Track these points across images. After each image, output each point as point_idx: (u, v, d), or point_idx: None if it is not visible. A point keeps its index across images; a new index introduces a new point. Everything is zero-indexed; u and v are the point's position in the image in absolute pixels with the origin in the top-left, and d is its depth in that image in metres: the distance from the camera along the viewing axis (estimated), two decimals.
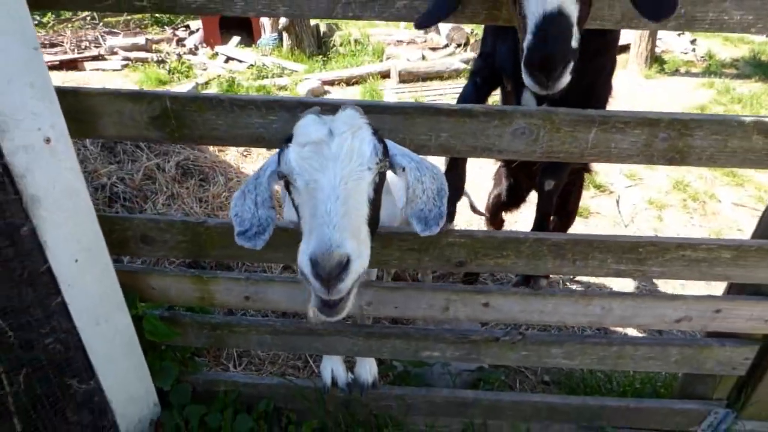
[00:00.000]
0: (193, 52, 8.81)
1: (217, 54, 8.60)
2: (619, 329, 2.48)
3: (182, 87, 6.88)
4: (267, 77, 7.33)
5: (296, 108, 1.33)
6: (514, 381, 2.45)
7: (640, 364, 1.79)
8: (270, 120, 1.35)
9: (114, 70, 7.79)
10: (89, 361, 1.59)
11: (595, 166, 4.85)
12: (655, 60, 8.13)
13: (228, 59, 8.39)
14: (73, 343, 1.56)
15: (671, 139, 1.34)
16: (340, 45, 8.80)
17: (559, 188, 1.95)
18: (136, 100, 1.35)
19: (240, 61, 8.22)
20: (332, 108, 1.32)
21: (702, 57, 8.75)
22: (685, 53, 8.94)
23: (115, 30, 9.97)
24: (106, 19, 10.36)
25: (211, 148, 3.93)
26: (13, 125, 1.18)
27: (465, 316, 1.70)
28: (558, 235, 1.54)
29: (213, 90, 6.84)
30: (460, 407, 1.96)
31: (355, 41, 8.78)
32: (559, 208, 2.29)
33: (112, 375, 1.65)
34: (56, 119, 1.27)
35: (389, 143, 1.23)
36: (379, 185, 1.17)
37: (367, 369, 1.95)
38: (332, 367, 1.94)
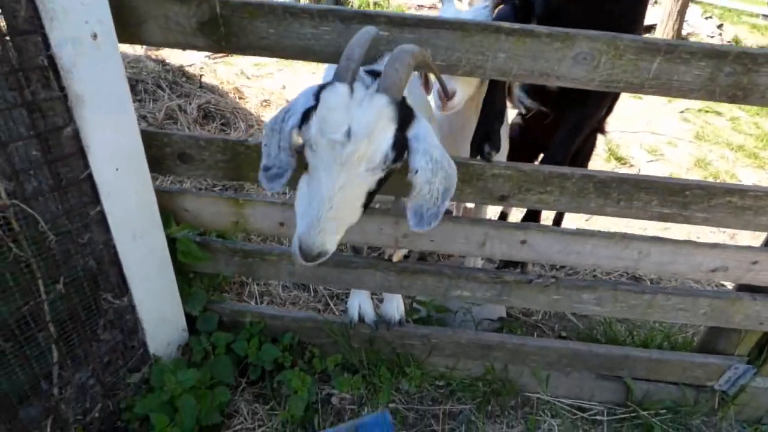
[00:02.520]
0: None
1: None
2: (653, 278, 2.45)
3: None
4: None
5: (352, 19, 1.28)
6: (532, 334, 2.46)
7: (669, 315, 1.79)
8: (322, 31, 1.31)
9: None
10: (124, 276, 1.59)
11: (617, 139, 4.80)
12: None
13: None
14: (108, 256, 1.55)
15: (736, 75, 1.29)
16: (359, 8, 8.60)
17: (569, 156, 1.89)
18: (183, 2, 1.31)
19: None
20: (389, 22, 1.28)
21: (729, 41, 8.57)
22: (711, 37, 8.76)
23: None
24: None
25: (231, 94, 3.87)
26: (62, 14, 1.14)
27: (501, 253, 1.68)
28: (605, 173, 1.51)
29: None
30: (484, 350, 1.96)
31: (374, 3, 8.58)
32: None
33: (144, 293, 1.65)
34: (104, 14, 1.23)
35: (420, 129, 1.12)
36: (385, 178, 1.14)
37: (395, 306, 1.95)
38: (360, 303, 1.94)
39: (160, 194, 1.63)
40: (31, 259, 1.34)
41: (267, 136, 1.23)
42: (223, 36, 1.34)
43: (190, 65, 4.36)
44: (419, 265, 1.78)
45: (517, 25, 1.28)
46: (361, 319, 1.94)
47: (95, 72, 1.25)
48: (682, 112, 5.76)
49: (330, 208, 1.06)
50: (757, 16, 9.93)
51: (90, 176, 1.38)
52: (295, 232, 1.12)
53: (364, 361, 2.01)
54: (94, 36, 1.22)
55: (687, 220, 1.56)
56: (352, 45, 1.14)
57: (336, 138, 1.03)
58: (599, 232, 1.63)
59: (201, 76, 3.88)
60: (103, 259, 1.54)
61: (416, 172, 1.11)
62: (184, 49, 1.38)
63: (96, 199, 1.42)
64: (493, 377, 2.06)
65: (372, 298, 2.02)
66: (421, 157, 1.11)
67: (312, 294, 2.54)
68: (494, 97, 1.55)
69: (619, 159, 4.46)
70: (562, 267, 2.71)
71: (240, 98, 4.00)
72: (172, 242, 1.71)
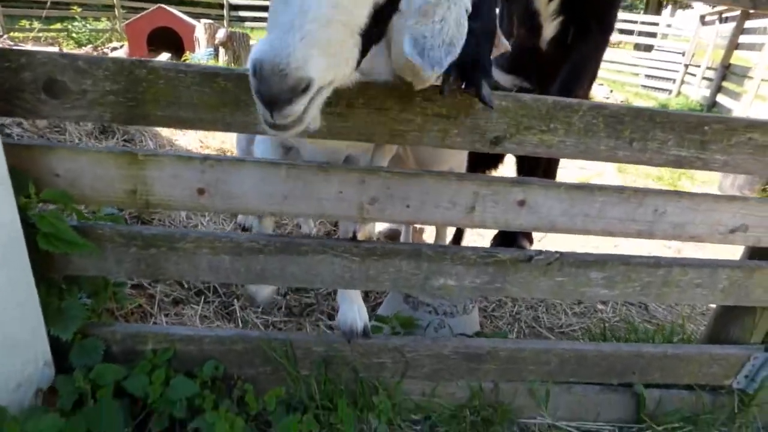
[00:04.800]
0: None
1: None
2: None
3: None
4: None
5: None
6: None
7: (686, 294, 1.50)
8: None
9: None
10: None
11: None
12: None
13: None
14: None
15: None
16: None
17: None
18: None
19: None
20: None
21: (622, 101, 9.53)
22: (607, 98, 9.70)
23: (22, 44, 8.87)
24: (12, 34, 9.16)
25: None
26: None
27: (494, 220, 1.32)
28: (617, 105, 1.24)
29: None
30: (472, 362, 1.53)
31: None
32: None
33: None
34: None
35: None
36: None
37: (355, 310, 1.49)
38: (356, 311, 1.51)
39: (13, 150, 1.11)
40: None
41: None
42: None
43: None
44: (390, 245, 1.36)
45: None
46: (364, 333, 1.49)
47: None
48: None
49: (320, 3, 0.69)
50: (636, 86, 11.29)
51: None
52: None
53: (317, 394, 1.49)
54: None
55: (705, 165, 1.32)
56: None
57: None
58: (609, 186, 1.34)
59: None
60: None
61: None
62: None
63: None
64: (482, 402, 1.61)
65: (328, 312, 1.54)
66: None
67: (240, 325, 1.97)
68: (485, 10, 1.25)
69: None
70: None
71: None
72: (30, 228, 1.15)
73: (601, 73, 1.41)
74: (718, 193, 2.28)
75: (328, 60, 0.75)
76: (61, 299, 1.30)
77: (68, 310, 1.28)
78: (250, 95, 0.79)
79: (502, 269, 1.39)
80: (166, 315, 1.91)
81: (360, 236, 1.43)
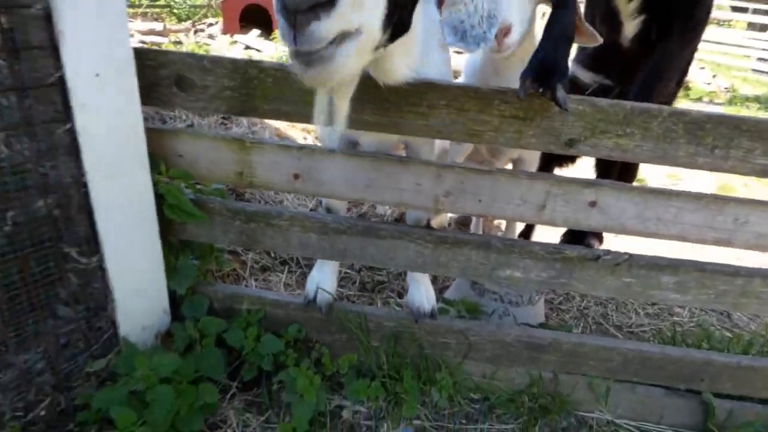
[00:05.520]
0: (212, 37, 8.66)
1: (236, 42, 8.43)
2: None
3: None
4: None
5: None
6: None
7: (766, 306, 1.46)
8: None
9: None
10: (94, 228, 1.25)
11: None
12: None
13: (247, 47, 8.22)
14: (77, 197, 1.22)
15: None
16: None
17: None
18: None
19: (258, 51, 8.04)
20: None
21: (726, 88, 8.69)
22: (708, 84, 8.89)
23: (131, 19, 9.79)
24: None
25: None
26: None
27: (564, 219, 1.37)
28: (698, 111, 1.23)
29: None
30: (533, 352, 1.60)
31: None
32: None
33: (119, 252, 1.30)
34: None
35: None
36: None
37: (423, 293, 1.61)
38: (319, 279, 1.62)
39: (149, 134, 1.33)
40: None
41: None
42: None
43: None
44: (462, 234, 1.46)
45: None
46: (314, 298, 1.60)
47: None
48: None
49: None
50: (746, 70, 10.20)
51: (61, 81, 1.08)
52: None
53: (385, 365, 1.64)
54: None
55: None
56: None
57: None
58: (685, 192, 1.34)
59: None
60: (70, 200, 1.21)
61: None
62: None
63: (67, 111, 1.11)
64: (540, 390, 1.68)
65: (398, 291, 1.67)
66: None
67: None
68: (566, 12, 1.28)
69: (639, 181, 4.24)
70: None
71: None
72: (158, 198, 1.38)
73: (704, 55, 1.34)
74: None
75: None
76: (177, 259, 1.54)
77: (182, 269, 1.52)
78: None
79: (569, 266, 1.44)
80: (256, 279, 2.15)
81: (433, 224, 1.53)
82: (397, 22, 0.89)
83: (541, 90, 1.18)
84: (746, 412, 1.63)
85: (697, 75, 9.13)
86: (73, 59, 1.05)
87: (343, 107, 0.98)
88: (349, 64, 0.79)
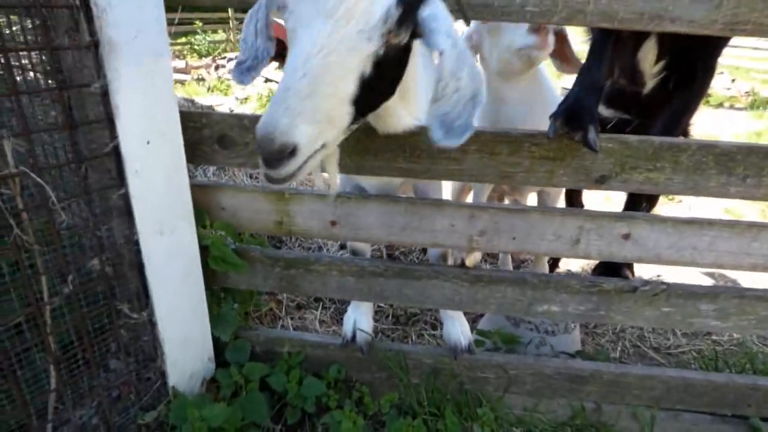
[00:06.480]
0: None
1: None
2: None
3: (221, 102, 6.86)
4: None
5: None
6: None
7: None
8: None
9: None
10: (145, 284, 1.31)
11: None
12: None
13: (267, 80, 8.44)
14: (129, 256, 1.28)
15: None
16: None
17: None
18: None
19: (277, 82, 8.26)
20: None
21: (746, 92, 8.57)
22: (728, 89, 8.79)
23: None
24: None
25: None
26: None
27: (598, 252, 1.39)
28: (728, 143, 1.25)
29: (252, 105, 6.80)
30: (574, 383, 1.60)
31: None
32: None
33: (168, 306, 1.36)
34: None
35: (438, 10, 0.92)
36: (388, 60, 0.89)
37: (458, 329, 1.63)
38: (356, 318, 1.66)
39: (193, 189, 1.39)
40: (34, 246, 1.08)
41: (245, 24, 1.06)
42: None
43: (219, 105, 4.31)
44: (497, 272, 1.48)
45: None
46: (352, 338, 1.63)
47: (132, 13, 1.06)
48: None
49: (304, 75, 0.79)
50: (765, 72, 10.04)
51: (116, 150, 1.15)
52: None
53: (425, 402, 1.65)
54: None
55: None
56: None
57: None
58: (719, 220, 1.35)
59: None
60: (122, 259, 1.28)
61: (441, 53, 0.88)
62: None
63: (121, 178, 1.18)
64: (583, 421, 1.67)
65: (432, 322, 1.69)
66: (444, 38, 0.89)
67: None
68: (597, 65, 1.33)
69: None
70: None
71: None
72: (202, 250, 1.44)
73: (721, 59, 1.37)
74: None
75: (316, 127, 0.84)
76: (219, 306, 1.59)
77: (225, 315, 1.57)
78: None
79: (606, 298, 1.45)
80: (292, 318, 2.20)
81: (468, 263, 1.56)
82: (371, 107, 0.98)
83: (570, 131, 1.22)
84: None
85: (716, 81, 9.04)
86: (127, 130, 1.12)
87: (333, 173, 1.09)
88: (313, 166, 0.92)
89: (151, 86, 1.14)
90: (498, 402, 1.65)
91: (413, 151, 1.31)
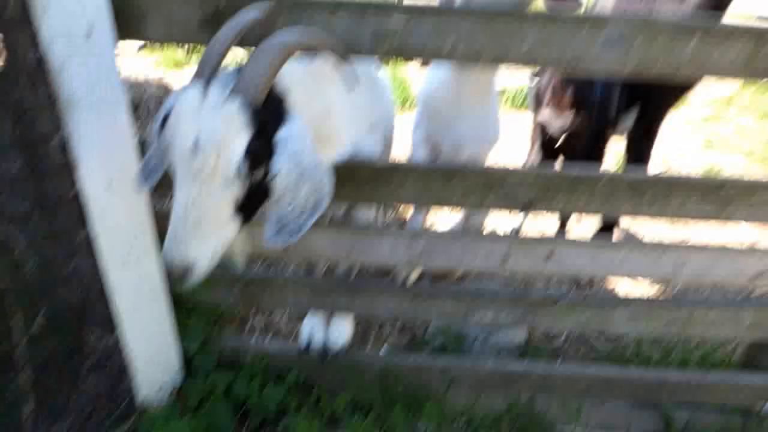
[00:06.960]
0: None
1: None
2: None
3: None
4: None
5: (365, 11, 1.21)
6: (556, 360, 2.29)
7: (710, 330, 1.65)
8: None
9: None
10: (112, 310, 1.42)
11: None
12: None
13: None
14: (95, 288, 1.39)
15: None
16: None
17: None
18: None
19: None
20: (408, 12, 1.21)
21: None
22: None
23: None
24: None
25: None
26: (56, 3, 1.04)
27: (524, 270, 1.56)
28: (636, 174, 1.42)
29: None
30: (508, 381, 1.79)
31: None
32: None
33: (135, 328, 1.48)
34: (101, 2, 1.13)
35: (292, 131, 1.01)
36: (258, 185, 1.00)
37: (342, 330, 1.81)
38: (312, 327, 1.82)
39: (158, 217, 1.49)
40: (7, 290, 1.18)
41: (154, 122, 1.12)
42: None
43: None
44: (435, 289, 1.64)
45: (542, 13, 1.22)
46: (308, 346, 1.79)
47: (89, 73, 1.14)
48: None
49: (187, 218, 0.95)
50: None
51: (76, 195, 1.25)
52: None
53: (378, 400, 1.82)
54: (89, 31, 1.12)
55: (729, 218, 1.45)
56: (217, 35, 1.02)
57: (183, 149, 0.93)
58: (631, 242, 1.53)
59: None
60: (91, 290, 1.38)
61: (275, 176, 0.98)
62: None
63: (83, 220, 1.28)
64: (518, 411, 1.87)
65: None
66: (285, 160, 0.98)
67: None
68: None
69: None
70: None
71: None
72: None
73: None
74: None
75: (205, 243, 0.98)
76: (188, 319, 1.72)
77: (193, 329, 1.70)
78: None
79: (532, 308, 1.63)
80: (262, 314, 2.33)
81: (411, 278, 1.71)
82: (257, 208, 1.07)
83: None
84: (702, 418, 1.83)
85: None
86: (88, 176, 1.22)
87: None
88: (216, 260, 1.05)
89: (109, 134, 1.23)
90: (442, 397, 1.84)
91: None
